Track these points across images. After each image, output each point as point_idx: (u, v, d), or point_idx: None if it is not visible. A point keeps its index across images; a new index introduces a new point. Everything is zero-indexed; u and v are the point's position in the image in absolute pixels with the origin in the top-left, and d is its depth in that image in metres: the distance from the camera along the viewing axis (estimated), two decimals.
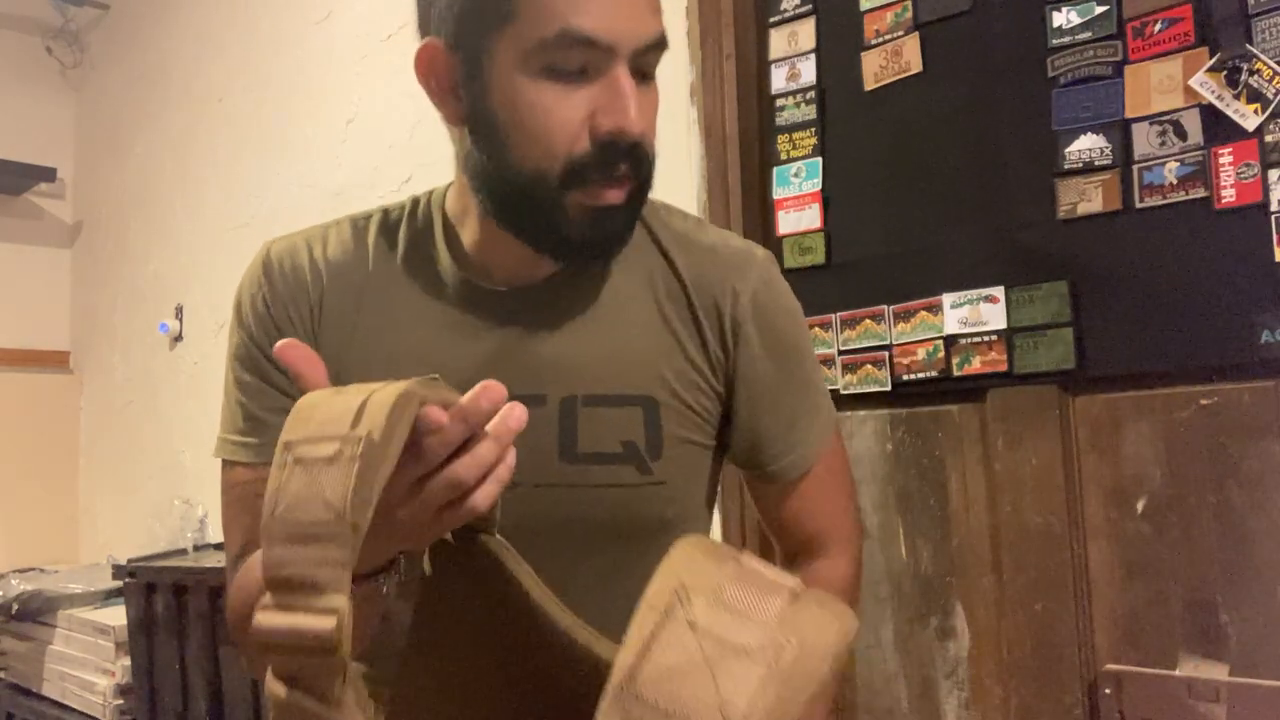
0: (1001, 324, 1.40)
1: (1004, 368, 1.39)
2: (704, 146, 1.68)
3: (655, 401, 0.81)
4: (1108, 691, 1.29)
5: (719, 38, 1.70)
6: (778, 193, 1.65)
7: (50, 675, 2.40)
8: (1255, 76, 1.21)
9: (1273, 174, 1.20)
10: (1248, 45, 1.22)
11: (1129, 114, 1.30)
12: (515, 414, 0.58)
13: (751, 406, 0.85)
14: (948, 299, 1.45)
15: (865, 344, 1.53)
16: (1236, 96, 1.22)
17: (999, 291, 1.40)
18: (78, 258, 3.59)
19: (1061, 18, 1.36)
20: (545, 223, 0.74)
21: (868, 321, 1.53)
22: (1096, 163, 1.32)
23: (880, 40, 1.54)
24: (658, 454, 0.81)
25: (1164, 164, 1.27)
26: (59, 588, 2.45)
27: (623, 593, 0.85)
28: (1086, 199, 1.33)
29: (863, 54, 1.56)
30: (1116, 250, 1.31)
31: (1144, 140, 1.29)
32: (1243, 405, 1.22)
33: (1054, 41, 1.36)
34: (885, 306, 1.51)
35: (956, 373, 1.44)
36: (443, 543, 0.66)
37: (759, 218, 1.67)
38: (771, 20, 1.67)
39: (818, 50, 1.62)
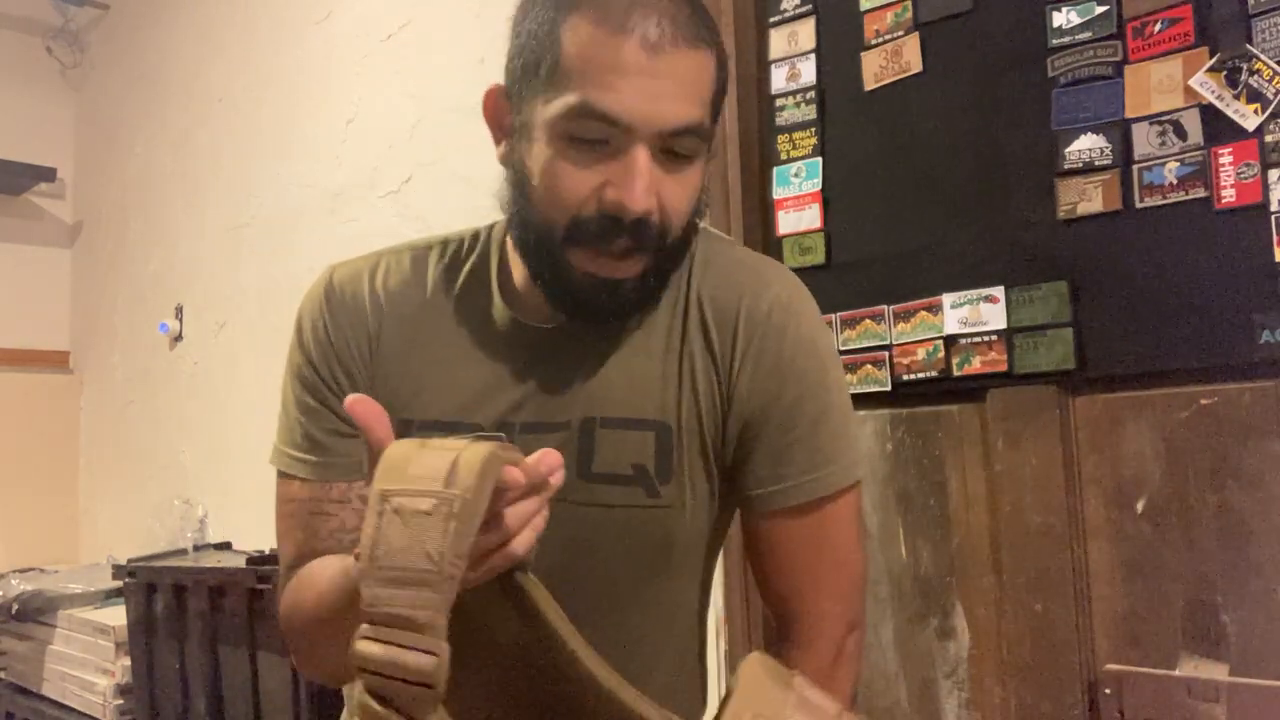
0: (1001, 324, 1.40)
1: (1004, 368, 1.39)
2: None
3: (668, 427, 0.83)
4: (1108, 691, 1.29)
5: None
6: (778, 193, 1.65)
7: (50, 675, 2.40)
8: (1255, 76, 1.21)
9: (1273, 174, 1.20)
10: (1248, 45, 1.22)
11: (1129, 114, 1.30)
12: (560, 476, 0.62)
13: (745, 425, 0.84)
14: (948, 299, 1.45)
15: (865, 344, 1.53)
16: (1236, 96, 1.22)
17: (999, 291, 1.40)
18: (78, 258, 3.59)
19: (1061, 18, 1.36)
20: (553, 276, 0.78)
21: (868, 321, 1.53)
22: (1096, 163, 1.32)
23: (880, 40, 1.54)
24: (666, 478, 0.83)
25: (1164, 164, 1.27)
26: (59, 588, 2.44)
27: (628, 612, 0.86)
28: (1086, 199, 1.33)
29: (863, 54, 1.56)
30: (1116, 250, 1.31)
31: (1144, 140, 1.29)
32: (1243, 405, 1.22)
33: (1054, 41, 1.36)
34: (885, 306, 1.51)
35: (956, 373, 1.44)
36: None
37: (759, 218, 1.67)
38: (771, 20, 1.67)
39: (818, 50, 1.62)
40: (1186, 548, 1.25)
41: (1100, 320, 1.32)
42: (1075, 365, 1.33)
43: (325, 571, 0.77)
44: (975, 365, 1.42)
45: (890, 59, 1.53)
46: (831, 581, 0.87)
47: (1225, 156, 1.23)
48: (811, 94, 1.62)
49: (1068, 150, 1.34)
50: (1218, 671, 1.21)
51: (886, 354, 1.51)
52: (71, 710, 2.30)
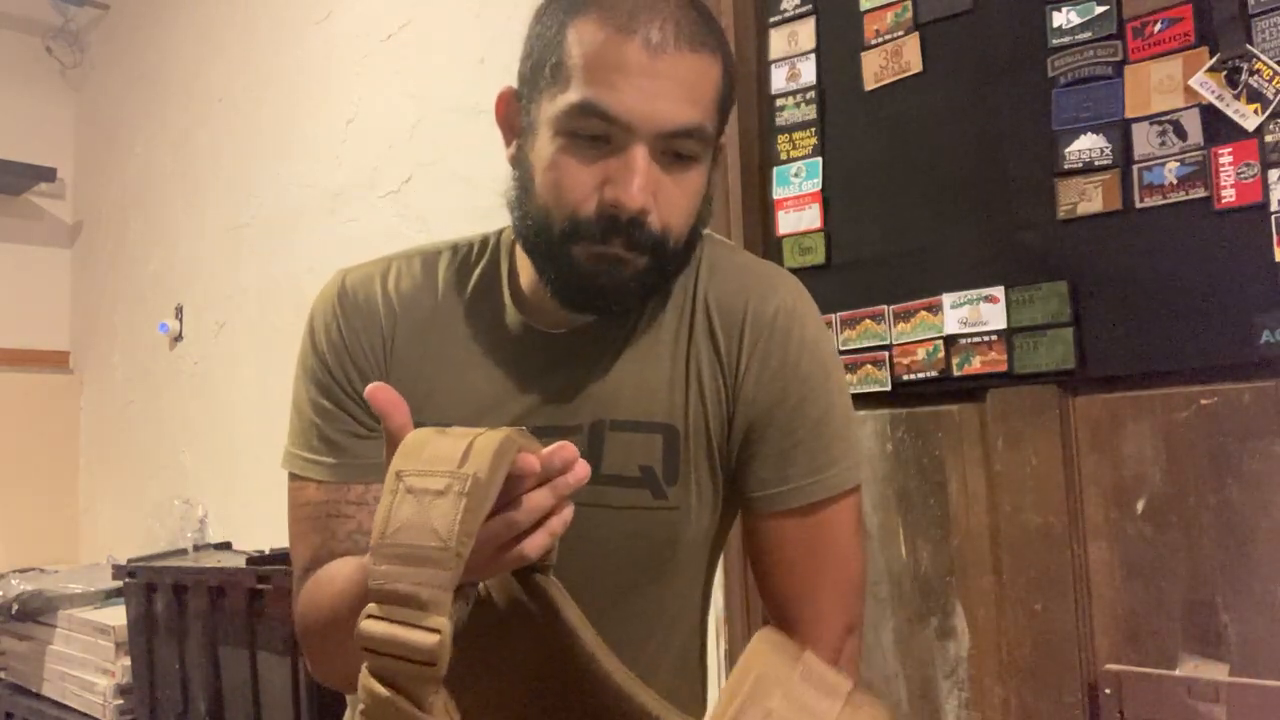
0: (1001, 324, 1.40)
1: (1004, 368, 1.39)
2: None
3: (675, 430, 0.84)
4: (1108, 691, 1.29)
5: None
6: (778, 193, 1.65)
7: (50, 675, 2.40)
8: (1255, 76, 1.21)
9: (1273, 174, 1.20)
10: (1248, 45, 1.22)
11: (1129, 114, 1.30)
12: (578, 472, 0.61)
13: (749, 427, 0.85)
14: (948, 299, 1.45)
15: (865, 344, 1.53)
16: (1236, 96, 1.22)
17: (999, 291, 1.40)
18: (78, 258, 3.59)
19: (1061, 18, 1.36)
20: (556, 269, 0.79)
21: (868, 321, 1.53)
22: (1096, 163, 1.32)
23: (880, 40, 1.54)
24: (673, 480, 0.84)
25: (1164, 164, 1.27)
26: (59, 588, 2.44)
27: (633, 613, 0.86)
28: (1086, 199, 1.33)
29: (863, 54, 1.56)
30: (1116, 250, 1.31)
31: (1144, 140, 1.29)
32: (1243, 405, 1.22)
33: (1054, 41, 1.36)
34: (885, 306, 1.52)
35: (956, 373, 1.44)
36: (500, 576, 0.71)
37: (759, 218, 1.68)
38: (771, 20, 1.67)
39: (818, 50, 1.62)
40: (1186, 548, 1.25)
41: (1100, 320, 1.32)
42: (1075, 365, 1.33)
43: (343, 571, 0.78)
44: (975, 365, 1.42)
45: (890, 59, 1.53)
46: (831, 584, 0.87)
47: (1225, 156, 1.23)
48: (811, 94, 1.62)
49: (1068, 150, 1.34)
50: (1218, 671, 1.21)
51: (886, 354, 1.51)
52: (71, 710, 2.30)
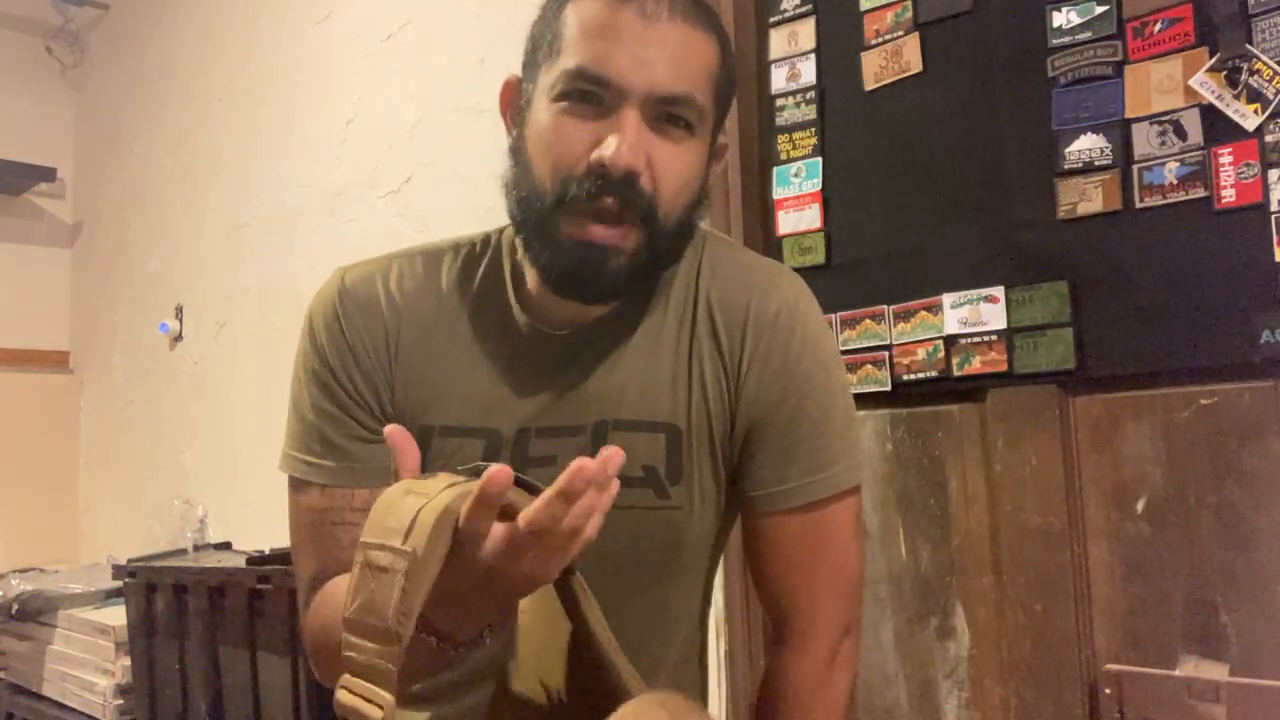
0: (1001, 324, 1.40)
1: (1004, 368, 1.39)
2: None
3: (677, 429, 0.84)
4: (1108, 691, 1.29)
5: None
6: (778, 193, 1.65)
7: (50, 675, 2.40)
8: (1255, 76, 1.21)
9: (1273, 174, 1.20)
10: (1248, 45, 1.22)
11: (1129, 114, 1.30)
12: (615, 460, 0.61)
13: (751, 426, 0.85)
14: (948, 299, 1.45)
15: (865, 344, 1.53)
16: (1236, 96, 1.22)
17: (999, 291, 1.40)
18: (78, 258, 3.59)
19: (1061, 18, 1.36)
20: (543, 245, 0.78)
21: (868, 321, 1.53)
22: (1096, 163, 1.32)
23: (880, 40, 1.54)
24: (676, 479, 0.84)
25: (1164, 164, 1.27)
26: (59, 588, 2.44)
27: (636, 613, 0.86)
28: (1086, 199, 1.33)
29: (863, 54, 1.56)
30: (1116, 250, 1.31)
31: (1144, 140, 1.29)
32: (1243, 405, 1.22)
33: (1054, 41, 1.36)
34: (885, 306, 1.51)
35: (956, 373, 1.44)
36: None
37: (759, 218, 1.67)
38: (771, 20, 1.67)
39: (818, 50, 1.62)
40: (1186, 548, 1.25)
41: (1100, 320, 1.32)
42: (1075, 365, 1.33)
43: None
44: (975, 365, 1.42)
45: (890, 59, 1.53)
46: (829, 583, 0.87)
47: (1225, 156, 1.23)
48: (811, 94, 1.62)
49: (1068, 150, 1.34)
50: (1218, 671, 1.21)
51: (886, 354, 1.51)
52: (71, 710, 2.30)
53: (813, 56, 1.62)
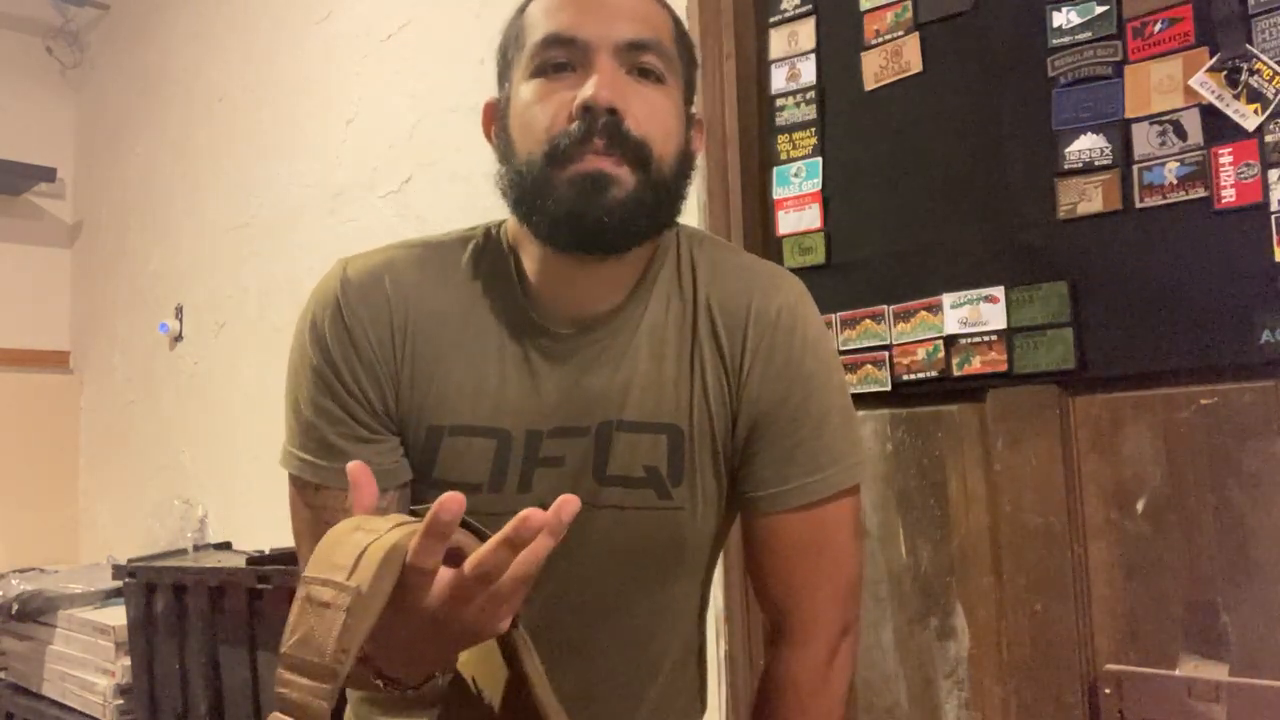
0: (1001, 324, 1.40)
1: (1004, 368, 1.39)
2: (704, 146, 1.68)
3: (679, 430, 0.84)
4: (1108, 691, 1.29)
5: (719, 38, 1.70)
6: (778, 193, 1.65)
7: (50, 675, 2.40)
8: (1255, 76, 1.21)
9: (1273, 174, 1.20)
10: (1248, 45, 1.22)
11: (1129, 114, 1.30)
12: (568, 508, 0.60)
13: (752, 426, 0.85)
14: (948, 299, 1.45)
15: (865, 344, 1.53)
16: (1236, 96, 1.22)
17: (999, 291, 1.40)
18: (78, 258, 3.59)
19: (1061, 18, 1.36)
20: (539, 204, 0.77)
21: (868, 321, 1.53)
22: (1096, 163, 1.32)
23: (880, 40, 1.54)
24: (678, 480, 0.84)
25: (1164, 164, 1.27)
26: (59, 588, 2.45)
27: (638, 613, 0.87)
28: (1086, 199, 1.33)
29: (863, 54, 1.56)
30: (1116, 250, 1.31)
31: (1144, 140, 1.29)
32: (1243, 405, 1.22)
33: (1054, 41, 1.36)
34: (885, 306, 1.51)
35: (956, 373, 1.44)
36: None
37: (759, 218, 1.67)
38: (771, 20, 1.67)
39: (818, 50, 1.62)
40: (1186, 548, 1.25)
41: (1100, 320, 1.32)
42: (1075, 365, 1.33)
43: None
44: (975, 365, 1.42)
45: (890, 59, 1.53)
46: (828, 583, 0.87)
47: (1225, 156, 1.23)
48: (811, 94, 1.62)
49: (1068, 150, 1.34)
50: (1218, 671, 1.21)
51: (886, 354, 1.51)
52: (71, 710, 2.30)
53: (813, 56, 1.62)
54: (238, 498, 2.71)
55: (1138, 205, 1.29)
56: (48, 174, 3.40)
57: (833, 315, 1.55)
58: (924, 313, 1.47)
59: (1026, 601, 1.37)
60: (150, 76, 3.24)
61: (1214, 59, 1.24)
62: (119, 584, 2.18)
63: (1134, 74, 1.30)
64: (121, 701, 2.19)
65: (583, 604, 0.84)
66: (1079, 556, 1.33)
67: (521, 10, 0.82)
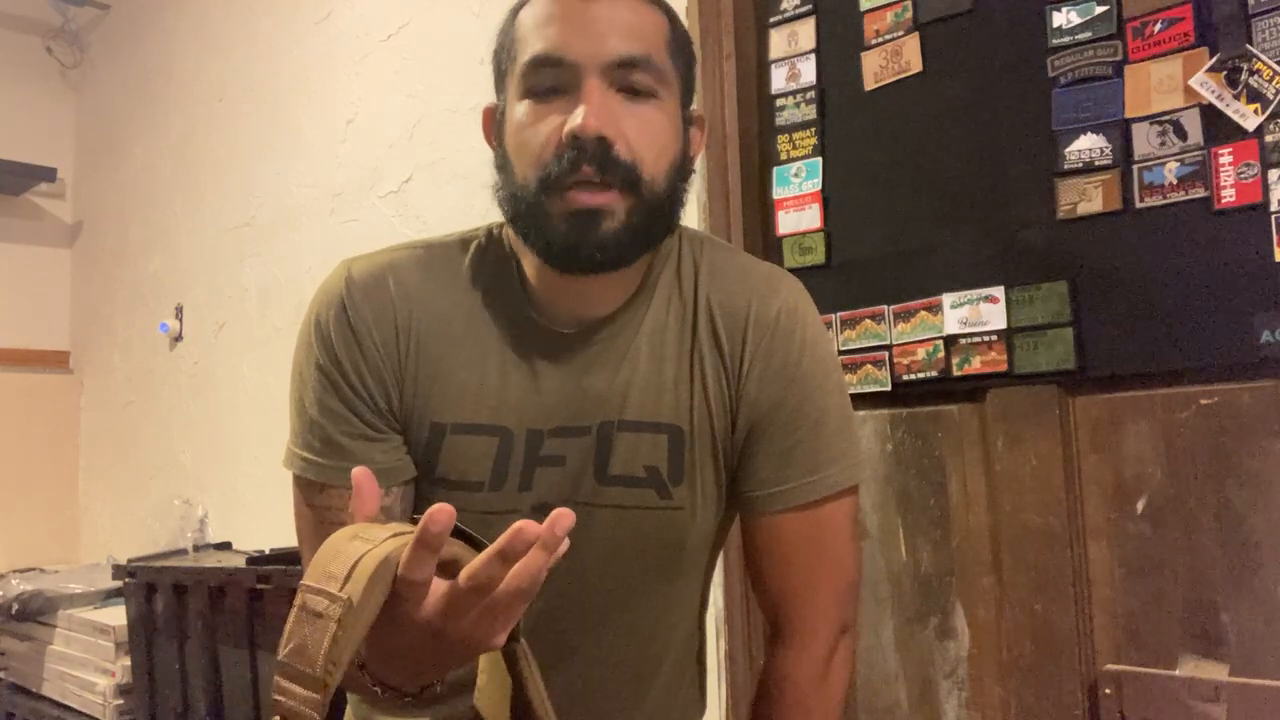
0: (1001, 324, 1.40)
1: (1004, 368, 1.39)
2: (704, 146, 1.68)
3: (680, 430, 0.84)
4: (1108, 691, 1.29)
5: (719, 38, 1.70)
6: (778, 193, 1.65)
7: (50, 675, 2.40)
8: (1255, 76, 1.21)
9: (1273, 174, 1.20)
10: (1248, 45, 1.22)
11: (1129, 114, 1.30)
12: (562, 522, 0.59)
13: (751, 426, 0.85)
14: (948, 299, 1.45)
15: (865, 344, 1.53)
16: (1236, 96, 1.22)
17: (999, 291, 1.40)
18: (78, 258, 3.59)
19: (1061, 18, 1.36)
20: (535, 229, 0.78)
21: (868, 321, 1.53)
22: (1096, 163, 1.32)
23: (880, 40, 1.54)
24: (679, 480, 0.84)
25: (1164, 164, 1.27)
26: (59, 588, 2.45)
27: (638, 613, 0.87)
28: (1086, 199, 1.33)
29: (863, 54, 1.56)
30: (1116, 250, 1.31)
31: (1144, 140, 1.29)
32: (1243, 405, 1.22)
33: (1054, 41, 1.36)
34: (885, 306, 1.51)
35: (956, 373, 1.44)
36: None
37: (759, 218, 1.68)
38: (771, 20, 1.67)
39: (818, 50, 1.62)
40: (1186, 548, 1.25)
41: (1100, 320, 1.32)
42: (1075, 365, 1.33)
43: None
44: (975, 365, 1.42)
45: (890, 59, 1.53)
46: (827, 582, 0.87)
47: (1225, 156, 1.23)
48: (811, 94, 1.62)
49: (1068, 150, 1.34)
50: (1218, 671, 1.21)
51: (886, 354, 1.51)
52: (71, 710, 2.30)
53: (813, 56, 1.62)
54: (238, 498, 2.71)
55: (1138, 205, 1.29)
56: (48, 174, 3.40)
57: (833, 315, 1.55)
58: (924, 313, 1.47)
59: (1026, 601, 1.37)
60: (150, 76, 3.24)
61: (1214, 59, 1.24)
62: (119, 584, 2.18)
63: (1134, 74, 1.30)
64: (121, 701, 2.19)
65: (583, 603, 0.85)
66: (1079, 556, 1.33)
67: (514, 15, 0.82)
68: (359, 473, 0.63)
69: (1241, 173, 1.21)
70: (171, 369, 3.05)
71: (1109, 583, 1.31)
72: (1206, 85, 1.24)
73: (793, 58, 1.64)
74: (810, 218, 1.60)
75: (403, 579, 0.58)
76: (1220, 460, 1.23)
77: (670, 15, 0.83)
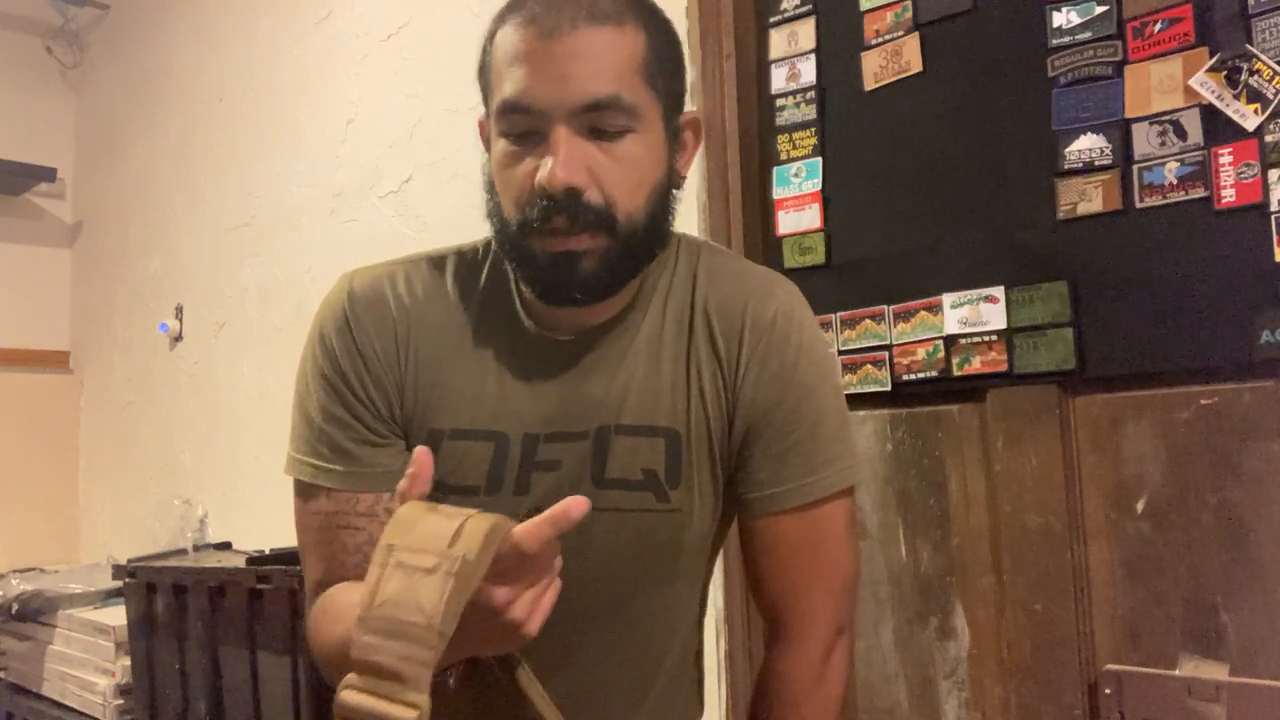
0: (1001, 324, 1.40)
1: (1004, 368, 1.39)
2: (704, 146, 1.68)
3: (677, 433, 0.85)
4: (1108, 691, 1.29)
5: (719, 38, 1.70)
6: (778, 193, 1.65)
7: (50, 675, 2.40)
8: (1255, 76, 1.21)
9: (1273, 174, 1.20)
10: (1248, 45, 1.22)
11: (1129, 114, 1.30)
12: (580, 508, 0.64)
13: (747, 429, 0.86)
14: (948, 299, 1.45)
15: (865, 344, 1.53)
16: (1236, 96, 1.22)
17: (999, 291, 1.40)
18: (78, 258, 3.59)
19: (1061, 18, 1.36)
20: (519, 264, 0.81)
21: (868, 321, 1.53)
22: (1096, 163, 1.32)
23: (880, 40, 1.54)
24: (676, 483, 0.85)
25: (1164, 164, 1.27)
26: (59, 588, 2.44)
27: (637, 616, 0.87)
28: (1086, 199, 1.33)
29: (863, 54, 1.56)
30: (1116, 250, 1.31)
31: (1144, 140, 1.29)
32: (1243, 405, 1.22)
33: (1054, 41, 1.36)
34: (885, 306, 1.51)
35: (956, 373, 1.44)
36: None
37: (759, 218, 1.68)
38: (771, 20, 1.67)
39: (818, 50, 1.62)
40: (1186, 548, 1.25)
41: (1100, 320, 1.32)
42: (1075, 365, 1.33)
43: (349, 601, 0.77)
44: (975, 365, 1.42)
45: (890, 59, 1.53)
46: (824, 583, 0.88)
47: (1225, 156, 1.23)
48: (811, 94, 1.62)
49: (1068, 150, 1.34)
50: (1218, 671, 1.21)
51: (886, 354, 1.51)
52: (71, 710, 2.30)
53: (813, 56, 1.62)
54: (238, 498, 2.71)
55: (1138, 205, 1.29)
56: (48, 174, 3.40)
57: (833, 315, 1.56)
58: (924, 313, 1.47)
59: (1026, 601, 1.37)
60: (150, 76, 3.24)
61: (1214, 59, 1.24)
62: (119, 584, 2.17)
63: (1134, 74, 1.30)
64: (121, 701, 2.19)
65: (582, 606, 0.85)
66: (1079, 556, 1.33)
67: (491, 34, 0.82)
68: (421, 451, 0.66)
69: (1241, 173, 1.21)
70: (171, 369, 3.04)
71: (1109, 583, 1.31)
72: (1206, 85, 1.24)
73: (793, 58, 1.64)
74: (810, 218, 1.60)
75: (515, 546, 0.61)
76: (1220, 460, 1.23)
77: (648, 29, 0.81)
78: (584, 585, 0.84)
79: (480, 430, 0.84)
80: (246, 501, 2.66)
